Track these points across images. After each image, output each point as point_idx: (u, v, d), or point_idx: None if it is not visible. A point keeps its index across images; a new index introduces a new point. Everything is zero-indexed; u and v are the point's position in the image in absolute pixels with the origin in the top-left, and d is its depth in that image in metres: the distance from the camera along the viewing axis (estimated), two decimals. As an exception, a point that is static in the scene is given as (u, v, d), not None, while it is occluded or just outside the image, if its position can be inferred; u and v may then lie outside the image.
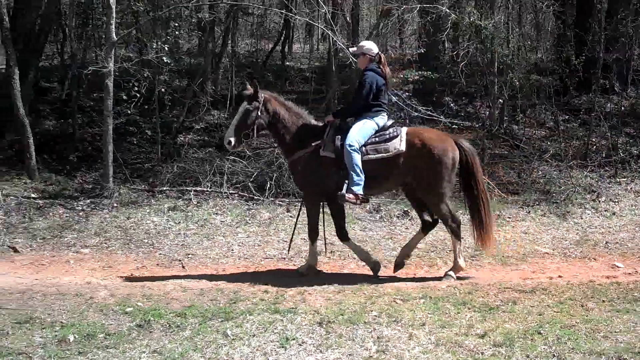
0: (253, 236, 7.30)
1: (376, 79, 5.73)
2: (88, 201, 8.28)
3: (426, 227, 5.95)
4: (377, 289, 5.15)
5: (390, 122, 5.85)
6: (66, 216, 7.74)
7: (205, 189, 8.60)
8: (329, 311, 4.51)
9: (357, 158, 5.50)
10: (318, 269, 5.99)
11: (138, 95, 9.20)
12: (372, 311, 4.51)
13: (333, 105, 10.21)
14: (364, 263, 5.98)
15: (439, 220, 5.79)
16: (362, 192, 5.51)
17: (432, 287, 5.29)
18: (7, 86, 9.14)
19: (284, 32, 14.91)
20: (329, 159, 5.61)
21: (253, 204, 8.26)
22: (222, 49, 12.27)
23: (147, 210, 7.95)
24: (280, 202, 8.27)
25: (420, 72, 10.19)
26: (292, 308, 4.64)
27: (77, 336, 4.01)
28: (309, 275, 5.79)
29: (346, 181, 5.51)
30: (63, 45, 13.20)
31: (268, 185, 8.47)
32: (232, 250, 6.87)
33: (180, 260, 6.46)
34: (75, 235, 7.08)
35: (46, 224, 7.42)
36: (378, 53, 5.90)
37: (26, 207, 7.89)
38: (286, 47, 15.20)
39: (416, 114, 9.45)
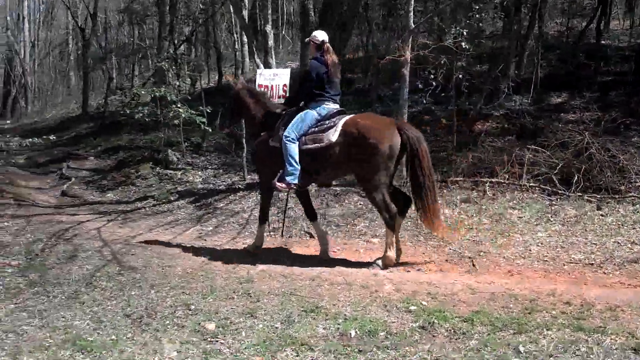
0: (555, 236, 6.51)
1: (317, 68, 6.00)
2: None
3: (401, 210, 5.93)
4: None
5: (335, 111, 6.00)
6: (360, 204, 8.07)
7: (501, 181, 8.06)
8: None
9: (292, 148, 5.87)
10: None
11: (434, 83, 9.14)
12: None
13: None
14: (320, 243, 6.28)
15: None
16: (295, 182, 5.91)
17: None
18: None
19: (600, 7, 13.37)
20: (276, 148, 5.98)
21: (556, 199, 7.41)
22: (528, 31, 11.50)
23: (439, 202, 7.77)
24: (590, 198, 7.22)
25: None
26: (600, 327, 3.91)
27: (358, 331, 4.03)
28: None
29: (281, 170, 5.98)
30: (368, 37, 13.99)
31: (575, 179, 7.48)
32: (530, 250, 6.22)
33: (470, 258, 6.10)
34: (367, 224, 7.31)
35: (341, 211, 7.85)
36: (323, 40, 6.12)
37: (325, 194, 8.47)
38: (602, 24, 13.58)
39: None
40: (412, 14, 8.36)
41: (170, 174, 10.12)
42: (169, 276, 5.48)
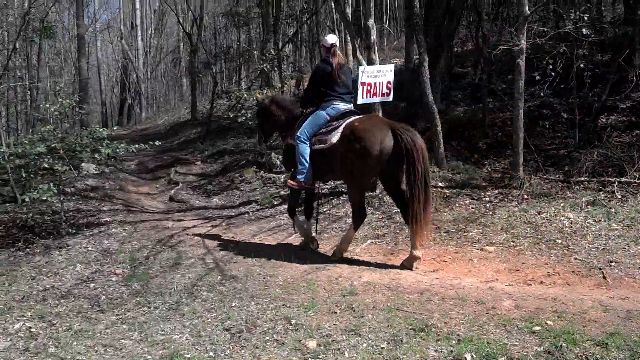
0: (702, 243, 5.76)
1: (321, 69, 6.48)
2: (496, 192, 7.99)
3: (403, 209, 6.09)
4: None
5: (344, 111, 6.33)
6: (472, 208, 7.61)
7: (632, 181, 7.28)
8: None
9: (302, 148, 6.32)
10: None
11: (553, 74, 8.47)
12: None
13: None
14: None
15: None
16: (304, 180, 6.35)
17: None
18: (419, 75, 9.56)
19: None
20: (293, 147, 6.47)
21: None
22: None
23: (562, 204, 7.16)
24: None
25: None
26: None
27: (474, 355, 3.69)
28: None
29: (293, 169, 6.57)
30: (478, 28, 13.32)
31: None
32: (672, 260, 5.53)
33: (600, 269, 5.50)
34: (481, 230, 6.84)
35: (451, 215, 7.43)
36: (332, 44, 6.52)
37: (433, 196, 8.04)
38: None
39: None
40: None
41: (273, 177, 10.11)
42: (270, 286, 5.36)
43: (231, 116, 10.50)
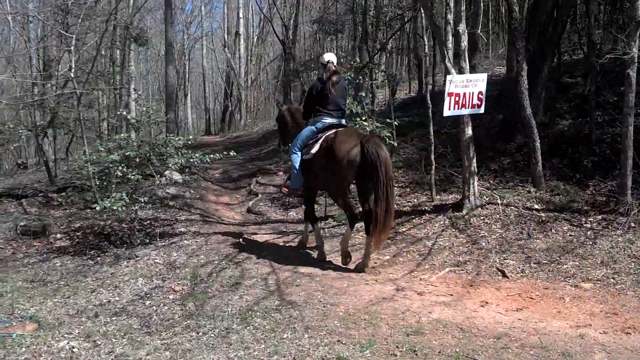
0: None
1: (315, 86, 7.03)
2: (599, 217, 7.11)
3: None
4: None
5: (329, 124, 6.79)
6: (570, 235, 6.78)
7: None
8: None
9: (294, 158, 6.99)
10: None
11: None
12: None
13: None
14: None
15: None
16: (295, 187, 7.06)
17: None
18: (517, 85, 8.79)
19: None
20: None
21: None
22: None
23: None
24: None
25: None
26: None
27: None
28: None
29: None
30: (588, 33, 12.23)
31: None
32: None
33: None
34: (577, 263, 6.03)
35: (545, 244, 6.63)
36: (328, 61, 7.05)
37: (526, 220, 7.30)
38: None
39: None
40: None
41: (352, 191, 9.64)
42: (329, 317, 4.92)
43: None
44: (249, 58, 36.83)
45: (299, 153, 6.94)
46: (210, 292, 5.81)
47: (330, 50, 21.16)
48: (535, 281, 5.76)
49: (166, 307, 5.48)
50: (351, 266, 6.56)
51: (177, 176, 11.17)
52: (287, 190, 7.33)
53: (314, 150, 6.65)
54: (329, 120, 6.87)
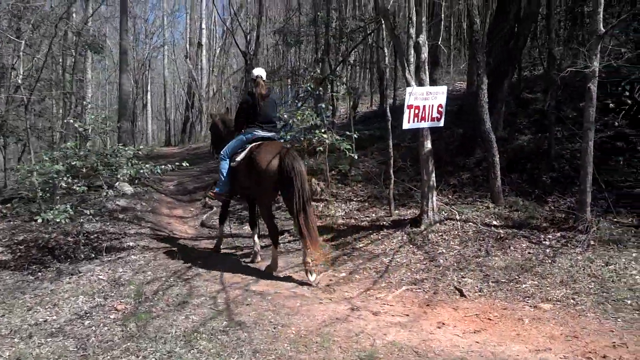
0: None
1: (246, 101, 7.43)
2: (558, 235, 7.02)
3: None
4: None
5: (257, 136, 7.18)
6: (529, 253, 6.66)
7: None
8: None
9: (222, 164, 7.36)
10: None
11: (629, 101, 7.43)
12: None
13: None
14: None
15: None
16: (222, 192, 7.42)
17: None
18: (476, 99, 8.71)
19: None
20: None
21: None
22: None
23: (634, 255, 6.15)
24: None
25: None
26: None
27: None
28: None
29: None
30: (549, 48, 12.33)
31: None
32: None
33: (684, 344, 4.48)
34: (536, 282, 5.90)
35: (504, 261, 6.50)
36: (258, 76, 7.39)
37: (485, 237, 7.17)
38: None
39: None
40: (601, 15, 6.82)
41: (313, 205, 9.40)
42: (279, 339, 4.65)
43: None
44: (211, 69, 36.41)
45: (227, 160, 7.34)
46: (154, 311, 5.46)
47: (294, 61, 21.02)
48: (493, 301, 5.60)
49: (106, 328, 5.12)
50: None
51: (127, 188, 10.76)
52: (212, 194, 7.64)
53: (239, 158, 7.13)
54: (259, 133, 7.24)
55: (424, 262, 6.74)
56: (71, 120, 7.96)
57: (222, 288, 6.13)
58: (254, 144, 7.10)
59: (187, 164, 8.13)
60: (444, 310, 5.40)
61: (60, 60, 13.12)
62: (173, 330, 4.92)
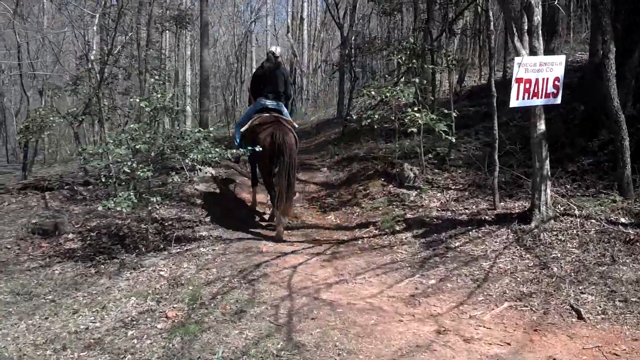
0: None
1: (256, 73, 8.89)
2: None
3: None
4: None
5: (265, 106, 8.21)
6: (671, 262, 5.33)
7: None
8: None
9: (236, 130, 8.65)
10: None
11: None
12: None
13: None
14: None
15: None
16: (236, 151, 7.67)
17: None
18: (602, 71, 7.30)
19: None
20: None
21: None
22: None
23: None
24: None
25: None
26: None
27: None
28: None
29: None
30: None
31: None
32: None
33: None
34: (681, 304, 4.61)
35: (634, 272, 5.24)
36: (270, 51, 8.47)
37: (610, 239, 5.90)
38: None
39: None
40: None
41: (402, 194, 8.41)
42: (341, 372, 3.80)
43: (354, 117, 8.96)
44: (312, 44, 35.73)
45: (239, 126, 8.40)
46: (206, 322, 4.80)
47: (390, 30, 19.85)
48: (620, 328, 4.41)
49: (149, 342, 4.52)
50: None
51: (209, 170, 10.29)
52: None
53: (243, 129, 8.18)
54: (265, 102, 8.26)
55: (534, 270, 5.59)
56: (137, 100, 7.43)
57: (288, 294, 5.37)
58: (257, 115, 8.12)
59: (259, 148, 7.43)
60: (556, 338, 4.30)
61: (146, 34, 12.89)
62: (220, 351, 4.21)
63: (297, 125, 8.57)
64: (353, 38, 17.59)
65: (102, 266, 6.57)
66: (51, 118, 11.21)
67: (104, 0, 10.32)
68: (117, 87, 11.76)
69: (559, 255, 5.84)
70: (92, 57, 8.18)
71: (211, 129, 7.64)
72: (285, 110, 8.59)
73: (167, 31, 16.71)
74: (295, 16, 36.46)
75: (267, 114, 8.09)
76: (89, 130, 13.12)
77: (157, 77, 10.50)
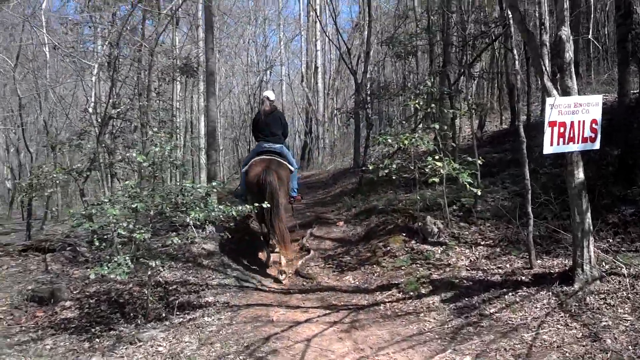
0: None
1: (255, 118, 9.45)
2: None
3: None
4: None
5: (265, 149, 8.78)
6: None
7: None
8: None
9: (242, 173, 9.15)
10: None
11: None
12: None
13: None
14: None
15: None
16: (240, 194, 9.21)
17: None
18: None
19: None
20: None
21: None
22: None
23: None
24: None
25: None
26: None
27: None
28: None
29: None
30: None
31: None
32: None
33: None
34: None
35: None
36: (265, 96, 9.30)
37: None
38: None
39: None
40: None
41: (426, 251, 7.72)
42: None
43: (370, 168, 8.38)
44: (326, 92, 35.54)
45: (244, 168, 8.88)
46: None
47: (405, 75, 19.46)
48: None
49: None
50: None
51: (212, 230, 9.72)
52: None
53: (243, 169, 8.85)
54: (264, 144, 8.83)
55: (583, 343, 4.84)
56: (134, 154, 6.93)
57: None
58: (256, 156, 8.67)
59: (267, 205, 6.84)
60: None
61: (156, 86, 12.58)
62: None
63: (298, 166, 9.59)
64: (368, 85, 17.15)
65: (97, 340, 5.99)
66: (54, 175, 10.79)
67: (105, 50, 10.08)
68: (125, 140, 11.36)
69: (610, 323, 5.09)
70: (91, 110, 7.72)
71: (214, 183, 7.05)
72: (285, 150, 9.10)
73: (177, 81, 16.43)
74: (310, 65, 36.39)
75: (264, 156, 8.65)
76: (99, 185, 12.68)
77: (155, 129, 10.03)
